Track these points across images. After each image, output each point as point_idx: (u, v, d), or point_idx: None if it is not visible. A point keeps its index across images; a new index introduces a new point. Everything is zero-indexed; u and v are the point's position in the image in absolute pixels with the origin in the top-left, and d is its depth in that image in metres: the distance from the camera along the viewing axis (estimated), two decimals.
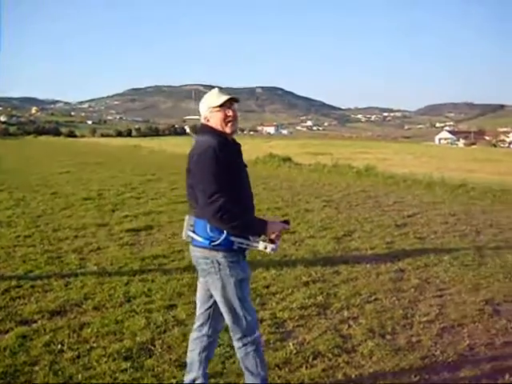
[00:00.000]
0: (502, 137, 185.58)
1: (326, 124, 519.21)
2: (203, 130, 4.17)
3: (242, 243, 3.97)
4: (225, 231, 3.89)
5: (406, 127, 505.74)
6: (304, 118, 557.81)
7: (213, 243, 3.93)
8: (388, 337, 5.76)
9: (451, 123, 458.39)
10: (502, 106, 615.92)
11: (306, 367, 4.99)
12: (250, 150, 42.96)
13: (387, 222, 11.85)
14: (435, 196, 16.65)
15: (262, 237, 3.99)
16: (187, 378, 4.43)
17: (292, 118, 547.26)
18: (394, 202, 14.95)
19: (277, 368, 4.97)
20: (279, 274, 7.89)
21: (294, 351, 5.31)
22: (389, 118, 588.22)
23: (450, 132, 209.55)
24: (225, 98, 4.10)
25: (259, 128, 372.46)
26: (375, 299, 6.92)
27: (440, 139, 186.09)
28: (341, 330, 5.94)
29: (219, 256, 3.96)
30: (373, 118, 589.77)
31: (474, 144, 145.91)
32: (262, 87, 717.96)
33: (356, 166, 23.46)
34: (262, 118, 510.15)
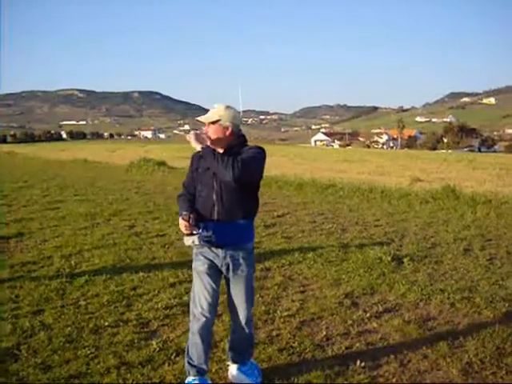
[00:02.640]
0: (376, 138, 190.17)
1: (203, 128, 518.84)
2: None
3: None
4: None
5: (283, 130, 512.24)
6: (182, 121, 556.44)
7: None
8: None
9: (327, 125, 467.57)
10: (375, 108, 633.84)
11: (169, 364, 5.13)
12: (126, 154, 42.68)
13: (257, 223, 11.98)
14: (305, 196, 17.13)
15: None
16: None
17: (170, 122, 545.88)
18: (265, 203, 15.21)
19: (140, 366, 5.09)
20: (147, 276, 8.00)
21: (158, 349, 5.45)
22: (265, 121, 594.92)
23: (325, 134, 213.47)
24: (208, 117, 4.58)
25: (136, 132, 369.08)
26: None
27: (316, 141, 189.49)
28: None
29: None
30: (250, 121, 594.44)
31: (348, 145, 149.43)
32: (139, 92, 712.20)
33: None
34: (140, 123, 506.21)
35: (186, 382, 4.68)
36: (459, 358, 5.36)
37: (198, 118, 4.64)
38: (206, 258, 4.58)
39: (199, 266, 4.60)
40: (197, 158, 4.63)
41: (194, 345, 4.62)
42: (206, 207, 4.50)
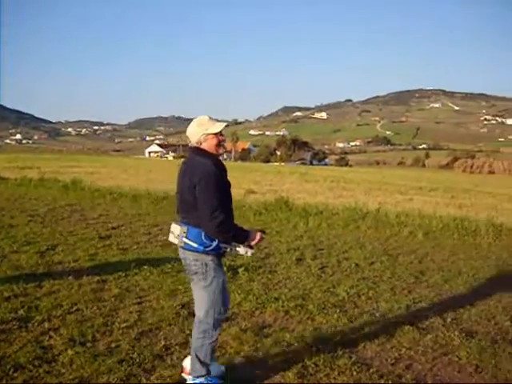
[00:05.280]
0: None
1: (35, 137, 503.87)
2: (198, 152, 4.86)
3: (226, 248, 4.85)
4: (216, 239, 4.72)
5: (117, 140, 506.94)
6: (13, 131, 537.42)
7: (206, 248, 4.73)
8: (88, 344, 5.90)
9: (161, 137, 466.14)
10: None
11: (6, 380, 5.00)
12: None
13: (91, 235, 11.95)
14: (140, 208, 17.07)
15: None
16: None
17: (0, 131, 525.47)
18: (100, 215, 15.09)
19: None
20: None
21: None
22: (99, 132, 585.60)
23: (159, 145, 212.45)
24: (222, 125, 4.87)
25: None
26: (76, 309, 7.02)
27: (150, 152, 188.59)
28: (42, 341, 5.97)
29: (208, 259, 4.79)
30: (83, 131, 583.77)
31: (183, 157, 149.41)
32: None
33: (63, 180, 23.24)
34: None
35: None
36: (295, 362, 5.59)
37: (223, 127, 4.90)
38: (222, 271, 5.04)
39: (223, 276, 4.99)
40: (220, 172, 4.77)
41: (212, 347, 4.97)
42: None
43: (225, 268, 8.76)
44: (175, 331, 6.44)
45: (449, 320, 7.28)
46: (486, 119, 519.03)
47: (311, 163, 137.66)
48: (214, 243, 4.73)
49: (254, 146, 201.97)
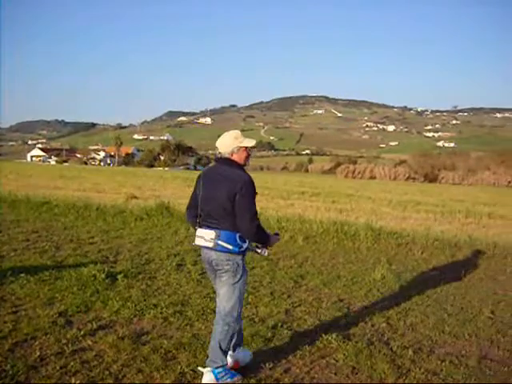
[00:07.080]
0: (93, 154, 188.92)
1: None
2: (229, 162, 5.41)
3: (248, 248, 5.41)
4: (247, 240, 5.29)
5: None
6: None
7: (240, 249, 5.27)
8: None
9: (44, 141, 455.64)
10: (93, 125, 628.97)
11: None
12: None
13: None
14: (19, 214, 16.58)
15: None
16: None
17: None
18: None
19: None
20: None
21: None
22: None
23: (42, 149, 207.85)
24: (254, 141, 5.54)
25: None
26: None
27: (32, 157, 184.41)
28: None
29: (239, 258, 5.33)
30: None
31: (65, 161, 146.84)
32: None
33: None
34: None
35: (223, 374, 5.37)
36: (172, 369, 5.60)
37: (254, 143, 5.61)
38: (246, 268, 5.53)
39: (247, 273, 5.53)
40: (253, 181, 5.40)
41: (231, 338, 5.47)
42: None
43: (103, 275, 8.81)
44: (51, 341, 6.27)
45: (327, 323, 7.48)
46: (367, 126, 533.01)
47: (195, 168, 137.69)
48: (245, 245, 5.28)
49: (138, 150, 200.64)
